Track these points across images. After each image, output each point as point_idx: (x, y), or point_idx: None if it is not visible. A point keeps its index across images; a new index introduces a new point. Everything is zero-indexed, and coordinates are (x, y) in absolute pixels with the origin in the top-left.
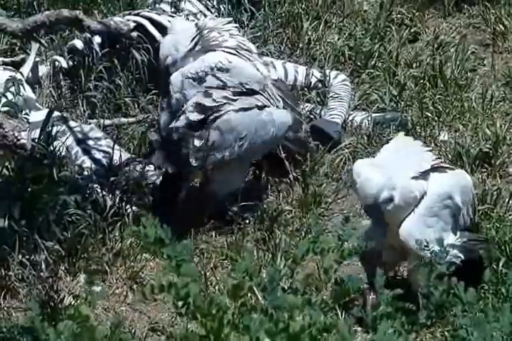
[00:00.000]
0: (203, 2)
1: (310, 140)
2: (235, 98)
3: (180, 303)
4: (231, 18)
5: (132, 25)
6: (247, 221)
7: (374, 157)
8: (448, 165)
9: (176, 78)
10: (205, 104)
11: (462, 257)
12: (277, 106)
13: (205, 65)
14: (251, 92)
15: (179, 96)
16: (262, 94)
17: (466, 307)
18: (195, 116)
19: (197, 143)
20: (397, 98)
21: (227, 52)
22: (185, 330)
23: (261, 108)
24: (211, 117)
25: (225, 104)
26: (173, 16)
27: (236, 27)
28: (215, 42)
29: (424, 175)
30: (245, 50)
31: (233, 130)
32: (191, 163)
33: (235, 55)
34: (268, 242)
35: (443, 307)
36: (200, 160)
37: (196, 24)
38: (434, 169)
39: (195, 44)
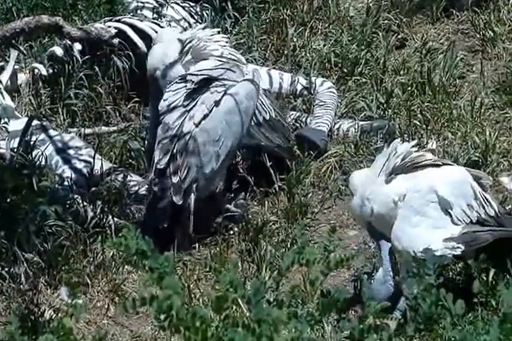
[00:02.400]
0: (186, 8)
1: (296, 148)
2: (190, 107)
3: (162, 316)
4: (219, 29)
5: (113, 31)
6: (232, 232)
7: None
8: (437, 162)
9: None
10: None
11: (462, 248)
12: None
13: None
14: (207, 83)
15: None
16: (218, 79)
17: (455, 320)
18: (162, 164)
19: (174, 179)
20: (385, 106)
21: (219, 60)
22: None
23: (219, 100)
24: (177, 147)
25: (182, 124)
26: (155, 23)
27: (225, 37)
28: (206, 51)
29: (398, 175)
30: (235, 60)
31: (206, 141)
32: (176, 201)
33: (227, 63)
34: (253, 253)
35: (431, 320)
36: (183, 192)
37: (184, 35)
38: (414, 168)
39: (185, 55)
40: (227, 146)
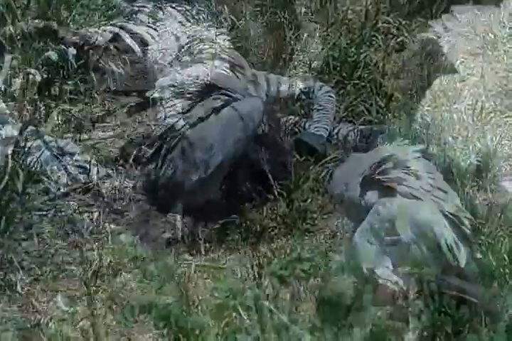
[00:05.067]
0: (182, 12)
1: (294, 153)
2: (187, 108)
3: (161, 324)
4: (225, 30)
5: (109, 36)
6: (231, 238)
7: None
8: (414, 193)
9: (158, 87)
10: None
11: (402, 285)
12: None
13: (190, 79)
14: (209, 90)
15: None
16: (222, 88)
17: (459, 327)
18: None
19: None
20: (384, 109)
21: (215, 66)
22: None
23: (220, 108)
24: (165, 146)
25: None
26: (150, 26)
27: (229, 40)
28: (204, 55)
29: (372, 189)
30: (237, 65)
31: (197, 146)
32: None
33: (223, 71)
34: (252, 260)
35: (434, 326)
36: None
37: (186, 32)
38: (387, 188)
39: (183, 54)
40: (217, 159)
